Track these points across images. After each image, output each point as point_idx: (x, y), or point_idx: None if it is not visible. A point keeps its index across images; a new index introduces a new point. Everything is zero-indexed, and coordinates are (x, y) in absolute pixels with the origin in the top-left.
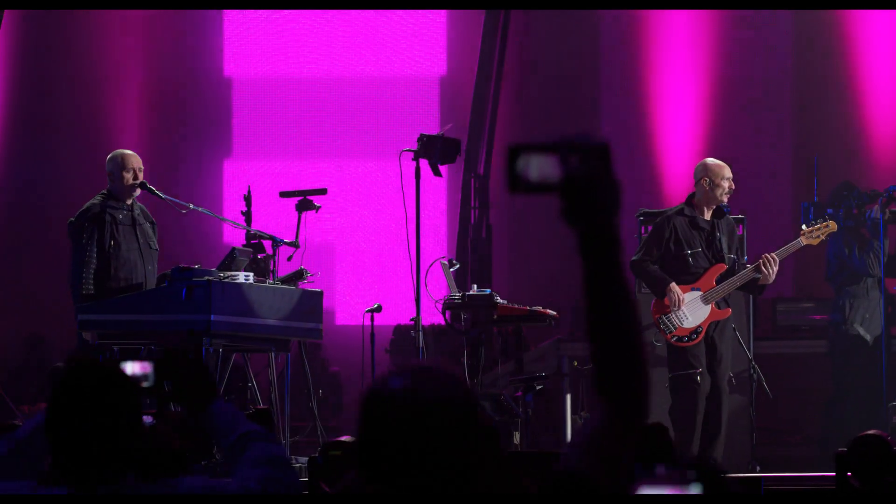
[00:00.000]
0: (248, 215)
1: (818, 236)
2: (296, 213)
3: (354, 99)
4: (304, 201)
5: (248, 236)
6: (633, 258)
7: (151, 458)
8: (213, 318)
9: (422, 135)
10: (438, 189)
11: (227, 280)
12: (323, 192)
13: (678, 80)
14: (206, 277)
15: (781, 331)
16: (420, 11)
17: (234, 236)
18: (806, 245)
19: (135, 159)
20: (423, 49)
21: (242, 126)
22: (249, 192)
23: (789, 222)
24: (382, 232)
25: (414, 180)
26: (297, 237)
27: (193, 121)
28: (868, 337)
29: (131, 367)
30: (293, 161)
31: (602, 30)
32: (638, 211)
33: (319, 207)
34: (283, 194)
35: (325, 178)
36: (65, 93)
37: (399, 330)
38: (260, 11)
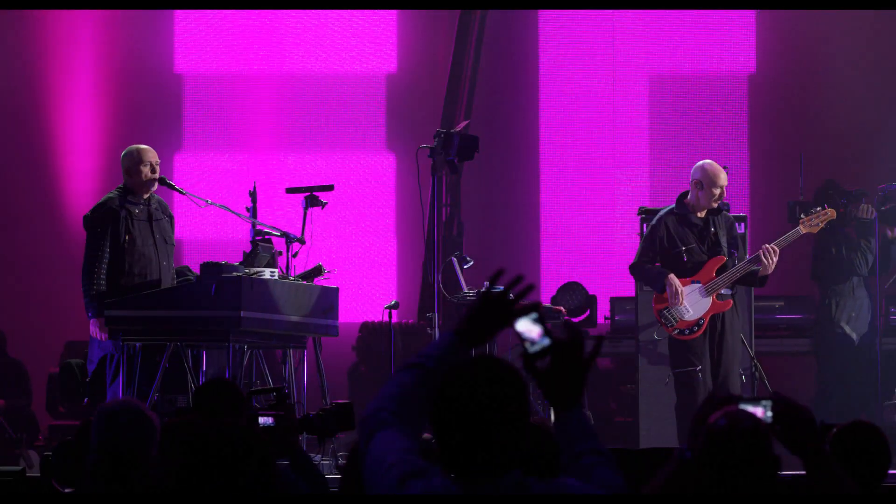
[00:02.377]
0: (253, 211)
1: (817, 224)
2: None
3: (304, 95)
4: (311, 197)
5: (254, 232)
6: (632, 262)
7: (538, 454)
8: (242, 314)
9: (438, 131)
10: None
11: (254, 276)
12: (330, 188)
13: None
14: (235, 273)
15: (615, 332)
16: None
17: (222, 229)
18: (805, 234)
19: (151, 153)
20: (372, 46)
21: (193, 121)
22: (255, 188)
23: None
24: (338, 226)
25: (418, 176)
26: (303, 233)
27: (144, 116)
28: (854, 336)
29: (523, 325)
30: (242, 154)
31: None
32: (639, 208)
33: (326, 204)
34: (290, 190)
35: (275, 173)
36: (13, 88)
37: (366, 327)
38: (211, 10)
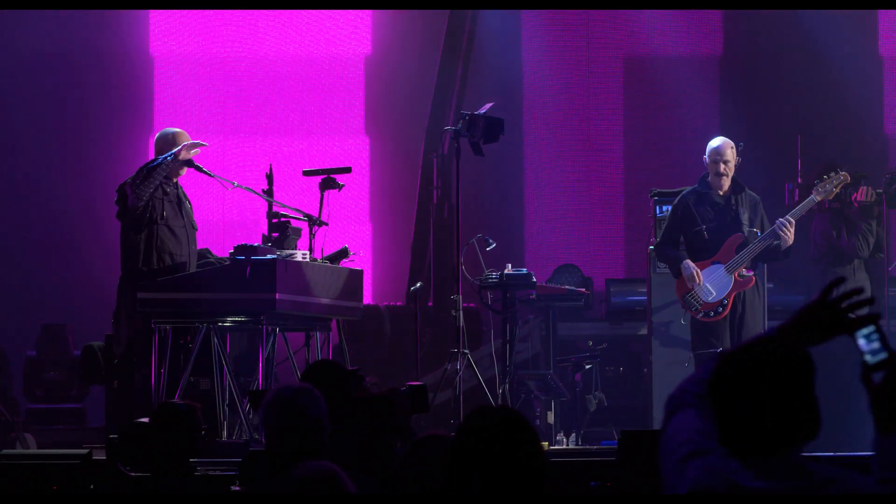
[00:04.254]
0: (269, 193)
1: (832, 189)
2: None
3: (279, 78)
4: (328, 180)
5: (270, 214)
6: (655, 244)
7: None
8: (277, 296)
9: (463, 113)
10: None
11: (288, 259)
12: (348, 170)
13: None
14: (269, 255)
15: (613, 315)
16: None
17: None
18: (821, 201)
19: (185, 137)
20: (347, 29)
21: (167, 103)
22: (271, 170)
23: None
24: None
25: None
26: (319, 215)
27: (118, 97)
28: (853, 318)
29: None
30: (217, 137)
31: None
32: (651, 191)
33: (343, 186)
34: (307, 172)
35: (250, 155)
36: None
37: None
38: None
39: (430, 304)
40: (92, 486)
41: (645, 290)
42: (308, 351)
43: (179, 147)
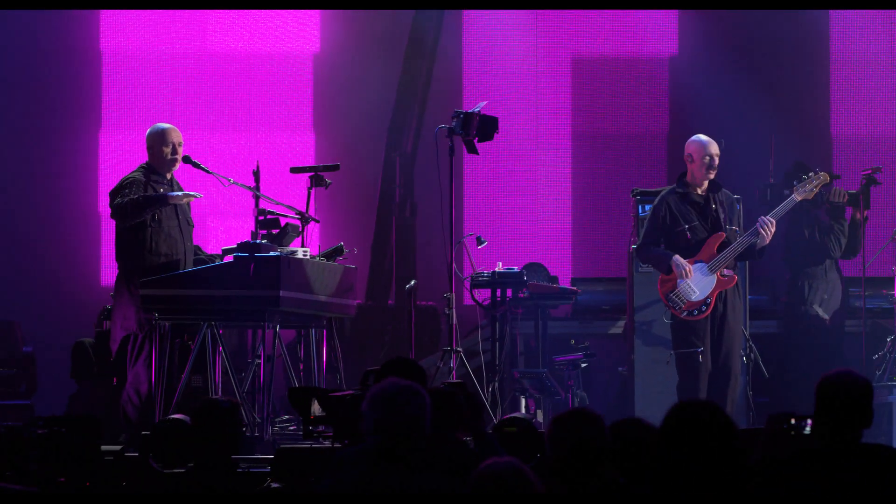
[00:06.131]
0: (256, 190)
1: (812, 189)
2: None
3: (228, 75)
4: (316, 177)
5: (257, 211)
6: (637, 245)
7: None
8: (281, 293)
9: (457, 111)
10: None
11: (291, 256)
12: (336, 167)
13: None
14: (272, 252)
15: (578, 314)
16: None
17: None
18: (801, 201)
19: (175, 133)
20: (296, 26)
21: (115, 99)
22: (258, 167)
23: None
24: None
25: (448, 157)
26: (307, 210)
27: (66, 92)
28: (826, 318)
29: None
30: None
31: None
32: (633, 190)
33: (330, 183)
34: (294, 170)
35: (200, 151)
36: None
37: None
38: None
39: (391, 302)
40: (124, 483)
41: (605, 289)
42: (300, 348)
43: (179, 194)
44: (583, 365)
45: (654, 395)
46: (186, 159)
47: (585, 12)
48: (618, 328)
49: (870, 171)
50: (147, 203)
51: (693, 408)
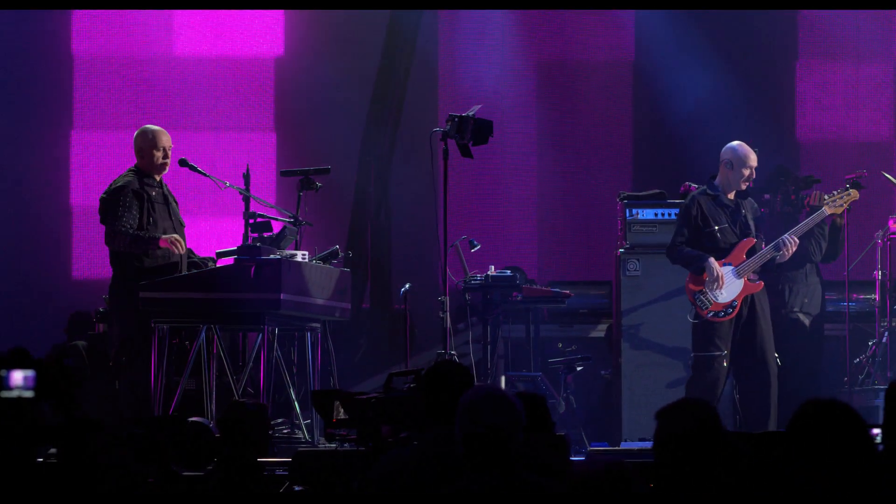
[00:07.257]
0: (246, 193)
1: (842, 205)
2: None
3: (193, 77)
4: (306, 180)
5: (247, 214)
6: (668, 245)
7: None
8: (282, 296)
9: (451, 115)
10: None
11: (291, 259)
12: (326, 171)
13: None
14: (272, 256)
15: (556, 317)
16: None
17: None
18: (830, 214)
19: (165, 137)
20: (260, 30)
21: (86, 100)
22: (248, 170)
23: None
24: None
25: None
26: (297, 213)
27: (37, 94)
28: (807, 321)
29: None
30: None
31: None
32: (620, 194)
33: (320, 187)
34: (285, 173)
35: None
36: None
37: None
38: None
39: (366, 305)
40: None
41: (579, 292)
42: (294, 351)
43: (169, 240)
44: (578, 368)
45: (640, 399)
46: (183, 162)
47: (550, 16)
48: (598, 332)
49: (854, 176)
50: (136, 244)
51: (824, 406)
